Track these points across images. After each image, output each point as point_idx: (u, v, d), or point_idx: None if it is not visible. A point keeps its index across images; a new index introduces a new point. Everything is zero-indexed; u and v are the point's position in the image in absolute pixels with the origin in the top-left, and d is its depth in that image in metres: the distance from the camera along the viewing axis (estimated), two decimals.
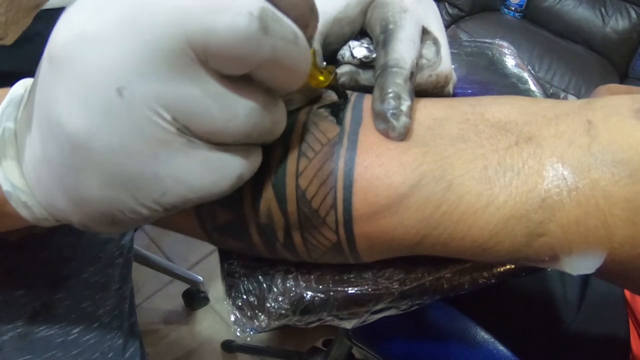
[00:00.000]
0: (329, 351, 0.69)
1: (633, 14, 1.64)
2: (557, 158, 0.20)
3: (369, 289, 0.27)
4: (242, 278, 0.28)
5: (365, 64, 0.27)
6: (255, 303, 0.27)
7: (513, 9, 1.79)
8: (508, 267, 0.28)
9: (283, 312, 0.27)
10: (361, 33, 0.28)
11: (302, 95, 0.24)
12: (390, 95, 0.22)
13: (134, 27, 0.15)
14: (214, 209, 0.23)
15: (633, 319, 0.48)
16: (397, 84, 0.23)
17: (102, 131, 0.16)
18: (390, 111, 0.22)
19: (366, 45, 0.26)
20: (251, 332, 0.28)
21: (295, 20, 0.17)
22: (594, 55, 1.67)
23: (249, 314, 0.27)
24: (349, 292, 0.27)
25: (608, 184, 0.19)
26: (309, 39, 0.19)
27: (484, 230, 0.21)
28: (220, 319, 1.09)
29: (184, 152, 0.17)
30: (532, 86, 0.36)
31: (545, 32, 1.73)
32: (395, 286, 0.27)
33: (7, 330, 0.33)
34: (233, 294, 0.28)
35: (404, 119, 0.22)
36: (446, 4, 1.75)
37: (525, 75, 0.37)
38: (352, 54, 0.26)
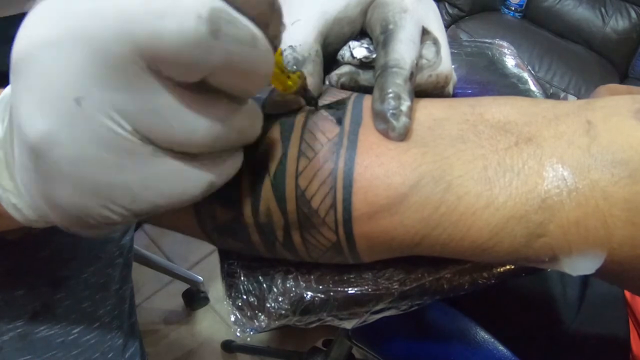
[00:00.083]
0: (329, 351, 0.69)
1: (633, 14, 1.64)
2: (557, 159, 0.20)
3: (369, 289, 0.27)
4: (242, 278, 0.28)
5: (365, 64, 0.27)
6: (255, 303, 0.27)
7: (513, 9, 1.79)
8: (508, 267, 0.28)
9: (283, 312, 0.27)
10: (361, 33, 0.28)
11: (275, 106, 0.23)
12: (390, 95, 0.22)
13: (85, 34, 0.14)
14: (213, 209, 0.23)
15: (633, 319, 0.48)
16: (397, 84, 0.23)
17: (64, 141, 0.15)
18: (390, 111, 0.22)
19: (366, 46, 0.26)
20: (251, 332, 0.28)
21: (254, 19, 0.16)
22: (594, 55, 1.67)
23: (249, 314, 0.27)
24: (349, 292, 0.27)
25: (608, 184, 0.19)
26: (273, 39, 0.17)
27: (483, 231, 0.21)
28: (220, 319, 1.09)
29: (150, 161, 0.17)
30: (532, 86, 0.36)
31: (545, 32, 1.73)
32: (395, 286, 0.27)
33: (7, 330, 0.33)
34: (233, 294, 0.28)
35: (403, 119, 0.22)
36: (446, 4, 1.74)
37: (525, 75, 0.37)
38: (352, 54, 0.26)
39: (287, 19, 0.18)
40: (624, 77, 1.66)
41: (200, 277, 1.08)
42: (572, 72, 1.55)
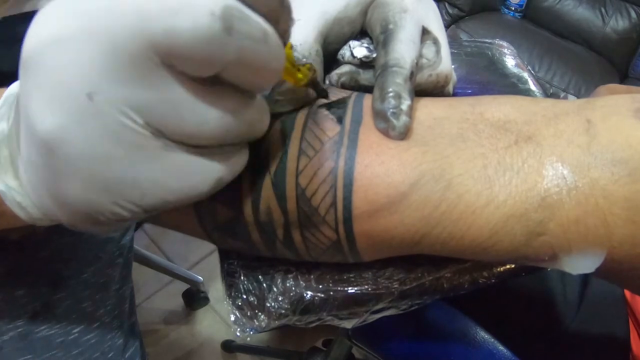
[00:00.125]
0: (329, 351, 0.69)
1: (633, 14, 1.64)
2: (557, 157, 0.20)
3: (369, 289, 0.27)
4: (242, 278, 0.28)
5: (365, 64, 0.27)
6: (255, 303, 0.27)
7: (513, 9, 1.79)
8: (508, 266, 0.28)
9: (283, 311, 0.27)
10: (361, 33, 0.28)
11: (286, 100, 0.24)
12: (391, 94, 0.22)
13: (100, 31, 0.15)
14: (213, 208, 0.23)
15: (633, 319, 0.48)
16: (397, 84, 0.23)
17: (76, 137, 0.16)
18: (391, 110, 0.22)
19: (366, 45, 0.27)
20: (251, 332, 0.28)
21: (265, 16, 0.17)
22: (594, 55, 1.67)
23: (248, 314, 0.27)
24: (349, 291, 0.27)
25: (608, 183, 0.19)
26: (282, 35, 0.18)
27: (483, 229, 0.21)
28: (220, 319, 1.09)
29: (161, 155, 0.17)
30: (532, 86, 0.36)
31: (545, 32, 1.73)
32: (395, 286, 0.27)
33: (8, 330, 0.33)
34: (233, 294, 0.28)
35: (404, 118, 0.22)
36: (446, 4, 1.75)
37: (525, 75, 0.37)
38: (352, 54, 0.27)
39: None
40: (624, 77, 1.66)
41: (200, 277, 1.08)
42: (572, 72, 1.55)
